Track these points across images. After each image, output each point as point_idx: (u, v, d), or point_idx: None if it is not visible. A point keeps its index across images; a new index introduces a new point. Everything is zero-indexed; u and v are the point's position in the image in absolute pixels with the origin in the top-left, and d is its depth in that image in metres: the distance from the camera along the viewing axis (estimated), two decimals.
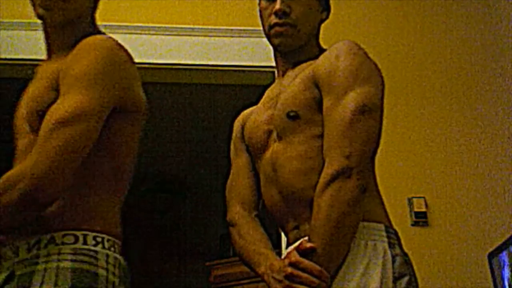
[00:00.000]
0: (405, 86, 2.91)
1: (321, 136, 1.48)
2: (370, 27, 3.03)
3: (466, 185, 2.76)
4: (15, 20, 2.77)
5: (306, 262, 1.33)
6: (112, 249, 1.38)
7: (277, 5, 1.61)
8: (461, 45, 3.04)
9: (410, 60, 2.99)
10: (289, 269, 1.34)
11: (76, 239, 1.33)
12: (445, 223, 2.67)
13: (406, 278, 1.39)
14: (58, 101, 1.35)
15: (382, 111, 1.49)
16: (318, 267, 1.32)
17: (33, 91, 1.47)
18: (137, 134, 1.49)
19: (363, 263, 1.37)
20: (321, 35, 1.73)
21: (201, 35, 2.92)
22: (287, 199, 1.53)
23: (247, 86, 3.29)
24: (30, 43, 2.74)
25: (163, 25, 2.87)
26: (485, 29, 3.07)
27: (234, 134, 1.78)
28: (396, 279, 1.37)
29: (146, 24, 2.90)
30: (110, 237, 1.38)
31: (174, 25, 2.90)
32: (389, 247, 1.42)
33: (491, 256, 2.38)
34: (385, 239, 1.43)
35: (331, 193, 1.36)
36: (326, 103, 1.48)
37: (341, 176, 1.36)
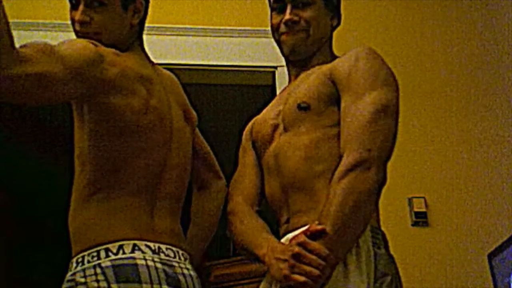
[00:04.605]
0: (404, 86, 2.90)
1: (331, 126, 1.51)
2: (376, 34, 3.03)
3: (466, 185, 2.76)
4: (15, 20, 2.77)
5: (314, 244, 1.33)
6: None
7: (286, 16, 1.65)
8: (461, 46, 3.04)
9: (411, 60, 2.99)
10: (297, 249, 1.34)
11: None
12: (445, 223, 2.67)
13: (388, 278, 1.40)
14: None
15: (398, 115, 1.52)
16: (326, 250, 1.32)
17: None
18: None
19: (350, 261, 1.39)
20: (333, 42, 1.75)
21: (201, 35, 2.92)
22: (286, 188, 1.54)
23: (247, 86, 3.29)
24: None
25: (163, 25, 2.87)
26: (486, 31, 3.08)
27: (243, 136, 1.80)
28: (377, 279, 1.38)
29: (146, 24, 2.89)
30: None
31: (174, 25, 2.90)
32: (373, 246, 1.43)
33: (491, 256, 2.38)
34: (369, 239, 1.43)
35: (349, 181, 1.37)
36: (345, 100, 1.50)
37: (361, 167, 1.38)
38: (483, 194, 2.74)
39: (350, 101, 1.49)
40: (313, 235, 1.35)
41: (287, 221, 1.53)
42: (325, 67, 1.60)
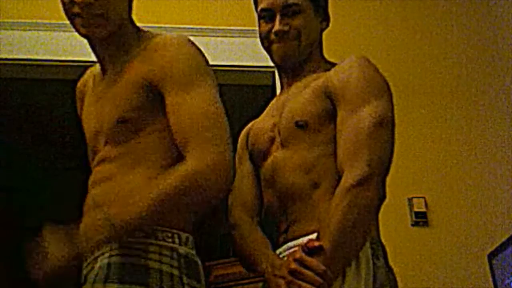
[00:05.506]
0: (404, 87, 2.91)
1: (326, 142, 1.50)
2: (376, 34, 3.03)
3: (466, 185, 2.76)
4: (15, 20, 2.77)
5: (311, 260, 1.34)
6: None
7: (276, 26, 1.62)
8: (459, 46, 3.05)
9: (410, 60, 2.99)
10: (293, 265, 1.34)
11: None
12: (445, 223, 2.68)
13: None
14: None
15: (394, 125, 1.52)
16: (323, 267, 1.33)
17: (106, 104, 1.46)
18: None
19: (348, 272, 1.38)
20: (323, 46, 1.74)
21: (201, 35, 2.91)
22: (283, 198, 1.54)
23: (247, 86, 3.28)
24: (30, 43, 2.73)
25: (163, 25, 2.87)
26: (483, 32, 3.08)
27: (239, 143, 1.78)
28: None
29: (146, 25, 2.88)
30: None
31: (174, 25, 2.90)
32: (372, 257, 1.42)
33: (491, 256, 2.37)
34: (369, 250, 1.43)
35: (351, 198, 1.37)
36: (341, 114, 1.49)
37: (364, 183, 1.38)
38: (483, 194, 2.74)
39: (346, 115, 1.48)
40: (311, 251, 1.35)
41: (286, 230, 1.53)
42: (320, 80, 1.58)
